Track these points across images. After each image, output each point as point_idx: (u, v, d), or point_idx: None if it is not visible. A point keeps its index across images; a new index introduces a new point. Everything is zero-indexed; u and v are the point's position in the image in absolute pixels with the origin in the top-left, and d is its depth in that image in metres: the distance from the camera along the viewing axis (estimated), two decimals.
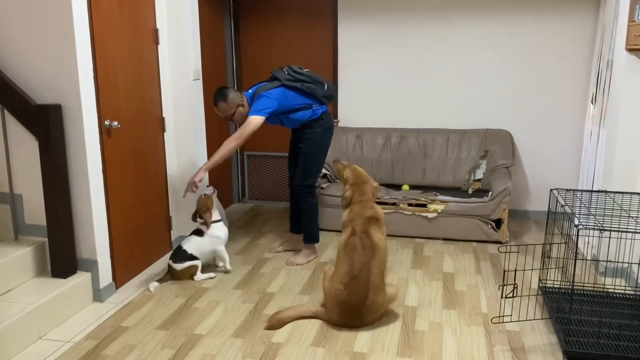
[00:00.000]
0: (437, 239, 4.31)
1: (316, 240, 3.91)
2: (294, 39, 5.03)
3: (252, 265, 3.78)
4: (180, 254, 3.48)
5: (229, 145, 3.51)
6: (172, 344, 2.74)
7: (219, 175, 4.99)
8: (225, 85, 5.05)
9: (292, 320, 2.97)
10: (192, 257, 3.49)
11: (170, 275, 3.51)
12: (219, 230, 3.57)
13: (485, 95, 4.74)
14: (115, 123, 3.26)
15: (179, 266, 3.46)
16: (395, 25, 4.76)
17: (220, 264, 3.65)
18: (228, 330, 2.88)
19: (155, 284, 3.42)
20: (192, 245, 3.50)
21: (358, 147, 4.86)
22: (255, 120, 3.47)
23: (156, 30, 3.73)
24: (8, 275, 2.94)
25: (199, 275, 3.51)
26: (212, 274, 3.56)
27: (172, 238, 4.07)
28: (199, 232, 3.53)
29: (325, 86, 3.76)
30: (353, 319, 2.88)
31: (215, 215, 3.58)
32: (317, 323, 2.94)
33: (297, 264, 3.79)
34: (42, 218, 3.10)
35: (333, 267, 3.04)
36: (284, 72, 3.62)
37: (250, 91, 3.64)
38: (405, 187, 4.73)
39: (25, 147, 3.08)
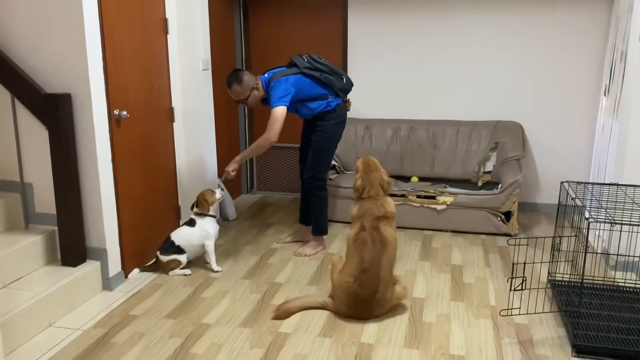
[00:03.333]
0: (446, 231, 4.30)
1: (325, 232, 3.90)
2: (303, 30, 5.00)
3: (260, 256, 3.78)
4: (168, 246, 3.46)
5: (262, 143, 3.52)
6: (180, 333, 2.76)
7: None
8: None
9: (299, 311, 2.97)
10: (179, 250, 3.45)
11: (156, 265, 3.51)
12: (209, 225, 3.52)
13: (496, 87, 4.69)
14: (125, 113, 3.26)
15: (164, 258, 3.46)
16: (406, 15, 4.72)
17: (209, 260, 3.56)
18: (236, 320, 2.89)
19: (137, 270, 3.45)
20: (180, 236, 3.47)
21: (367, 139, 4.84)
22: (280, 112, 3.42)
23: (165, 20, 3.72)
24: (18, 263, 2.96)
25: (175, 271, 3.46)
26: (187, 271, 3.48)
27: None
28: (190, 222, 3.52)
29: (344, 79, 3.74)
30: (361, 311, 2.87)
31: (211, 210, 3.56)
32: (324, 314, 2.95)
33: (304, 255, 3.79)
34: (52, 207, 3.12)
35: (342, 258, 3.04)
36: (303, 59, 3.59)
37: (266, 75, 3.57)
38: (414, 178, 4.71)
39: (35, 136, 3.09)
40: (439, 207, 4.23)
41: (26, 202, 3.21)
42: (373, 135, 4.84)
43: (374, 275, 2.83)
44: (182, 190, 4.04)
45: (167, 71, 3.79)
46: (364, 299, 2.85)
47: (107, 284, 3.23)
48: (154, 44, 3.62)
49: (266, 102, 3.56)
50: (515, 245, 3.84)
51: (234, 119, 5.07)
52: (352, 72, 4.93)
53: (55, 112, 2.93)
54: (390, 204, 3.09)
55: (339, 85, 3.65)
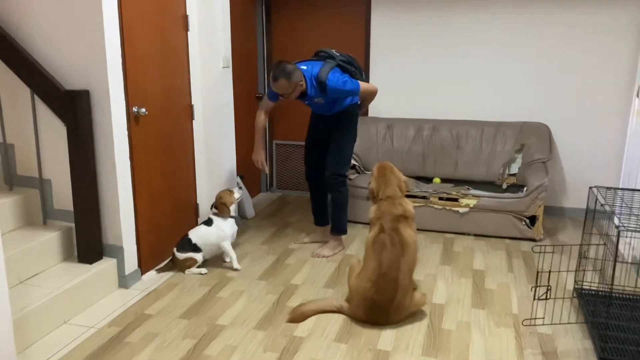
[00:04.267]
0: (468, 234, 4.19)
1: (344, 231, 3.84)
2: (326, 27, 4.93)
3: (277, 256, 3.74)
4: (185, 243, 3.44)
5: (374, 90, 3.64)
6: (193, 334, 2.72)
7: (248, 164, 4.95)
8: (255, 72, 5.00)
9: (314, 314, 2.92)
10: (195, 249, 3.42)
11: (173, 263, 3.48)
12: (226, 226, 3.49)
13: (523, 87, 4.56)
14: (143, 110, 3.24)
15: (180, 255, 3.42)
16: (431, 13, 4.62)
17: (227, 259, 3.55)
18: (250, 322, 2.85)
19: (153, 272, 3.42)
20: (198, 234, 3.45)
21: (388, 138, 4.75)
22: (362, 84, 3.47)
23: (186, 17, 3.68)
24: (35, 259, 2.97)
25: (191, 269, 3.43)
26: (203, 270, 3.44)
27: None
28: (208, 222, 3.49)
29: (364, 76, 3.68)
30: (379, 317, 2.80)
31: (231, 210, 3.52)
32: (340, 318, 2.88)
33: (322, 256, 3.73)
34: (70, 203, 3.12)
35: (360, 261, 2.97)
36: (334, 52, 3.53)
37: (304, 67, 3.42)
38: (437, 180, 4.61)
39: (54, 132, 3.09)
40: (461, 210, 4.13)
41: (45, 198, 3.22)
42: (395, 134, 4.75)
43: (392, 280, 2.76)
44: (201, 188, 4.01)
45: (187, 69, 3.76)
46: (381, 305, 2.78)
47: (123, 281, 3.22)
48: (174, 41, 3.59)
49: (302, 97, 3.49)
50: (540, 252, 3.69)
51: (252, 119, 5.01)
52: (374, 70, 4.84)
53: (74, 109, 2.92)
54: (409, 203, 3.02)
55: (361, 79, 3.59)
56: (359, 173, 4.62)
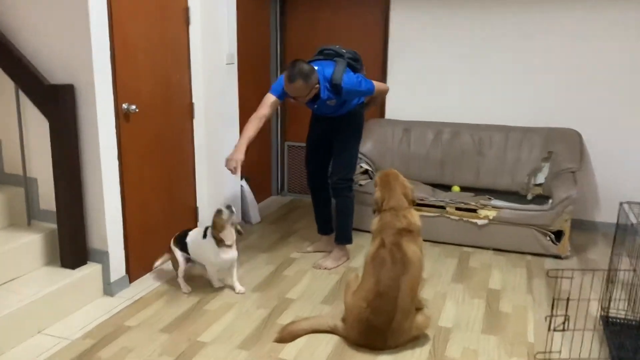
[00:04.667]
0: (487, 248, 3.86)
1: (349, 241, 3.57)
2: (343, 24, 4.67)
3: (276, 266, 3.49)
4: (181, 237, 3.14)
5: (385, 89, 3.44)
6: (171, 351, 2.50)
7: (258, 166, 4.75)
8: (267, 70, 4.78)
9: (305, 334, 2.66)
10: (185, 249, 3.11)
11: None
12: (214, 252, 2.98)
13: (553, 89, 4.19)
14: (134, 107, 3.05)
15: (172, 247, 3.14)
16: (454, 10, 4.30)
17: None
18: (235, 340, 2.61)
19: (148, 276, 3.27)
20: (192, 237, 3.12)
21: (405, 142, 4.46)
22: (375, 83, 3.25)
23: (187, 9, 3.48)
24: (15, 262, 2.80)
25: (179, 274, 3.11)
26: (185, 288, 3.11)
27: None
28: (205, 233, 3.06)
29: (364, 71, 3.42)
30: (374, 341, 2.53)
31: (228, 239, 2.99)
32: (333, 339, 2.62)
33: (324, 268, 3.47)
34: None
35: (357, 277, 2.71)
36: (340, 48, 3.27)
37: (316, 68, 3.10)
38: (456, 188, 4.29)
39: (40, 128, 2.92)
40: (479, 222, 3.80)
41: (31, 197, 3.06)
42: (412, 138, 4.45)
43: (390, 300, 2.48)
44: (202, 190, 3.81)
45: (188, 64, 3.56)
46: (378, 327, 2.50)
47: (109, 289, 3.03)
48: (173, 34, 3.39)
49: (313, 100, 3.23)
50: (557, 277, 3.24)
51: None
52: (392, 69, 4.56)
53: (56, 104, 2.75)
54: (415, 215, 2.74)
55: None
56: (371, 179, 4.34)
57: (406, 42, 4.48)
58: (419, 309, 2.80)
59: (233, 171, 3.07)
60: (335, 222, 3.57)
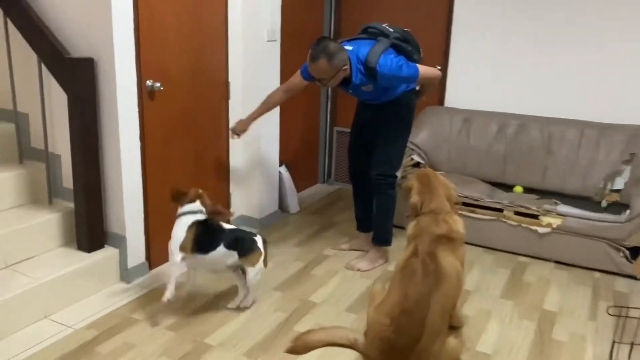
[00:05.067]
0: (548, 260, 3.39)
1: (388, 242, 3.24)
2: (403, 2, 4.26)
3: (305, 263, 3.22)
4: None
5: (437, 75, 2.95)
6: (173, 352, 2.31)
7: (304, 151, 4.47)
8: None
9: (321, 346, 2.36)
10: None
11: None
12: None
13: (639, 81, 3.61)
14: (158, 84, 2.84)
15: None
16: None
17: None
18: (243, 345, 2.38)
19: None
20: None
21: (464, 133, 4.01)
22: (421, 67, 2.80)
23: None
24: (30, 242, 2.70)
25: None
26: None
27: (232, 217, 3.64)
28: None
29: (421, 53, 3.02)
30: None
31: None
32: (352, 355, 2.32)
33: (358, 269, 3.16)
34: None
35: (384, 288, 2.38)
36: (387, 27, 2.89)
37: (350, 48, 2.79)
38: (518, 189, 3.81)
39: (65, 103, 2.78)
40: (541, 230, 3.34)
41: (54, 174, 2.95)
42: (472, 130, 4.00)
43: (417, 320, 2.14)
44: (236, 176, 3.60)
45: (225, 40, 3.32)
46: (401, 348, 2.17)
47: (125, 275, 2.88)
48: (209, 6, 3.15)
49: (345, 85, 2.90)
50: (619, 316, 2.70)
51: (314, 101, 4.50)
52: (455, 52, 4.10)
53: (75, 78, 2.59)
54: (458, 221, 2.38)
55: (419, 62, 2.93)
56: None
57: (472, 22, 4.01)
58: (455, 327, 2.45)
59: (231, 135, 3.18)
60: (374, 221, 3.24)
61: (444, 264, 2.22)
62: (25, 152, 3.02)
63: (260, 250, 2.60)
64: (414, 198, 2.46)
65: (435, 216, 2.36)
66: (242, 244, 2.56)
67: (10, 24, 2.76)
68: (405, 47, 2.87)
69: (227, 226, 2.61)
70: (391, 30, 2.86)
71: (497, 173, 3.92)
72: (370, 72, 2.72)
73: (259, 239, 2.62)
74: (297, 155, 4.36)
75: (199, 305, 2.70)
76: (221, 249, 2.51)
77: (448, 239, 2.30)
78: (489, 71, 4.02)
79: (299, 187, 4.48)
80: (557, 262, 3.35)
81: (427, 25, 4.17)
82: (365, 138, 3.17)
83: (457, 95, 4.15)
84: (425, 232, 2.32)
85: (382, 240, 3.22)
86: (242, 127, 3.15)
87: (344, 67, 2.74)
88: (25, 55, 2.78)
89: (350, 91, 2.95)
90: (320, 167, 4.78)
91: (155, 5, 2.79)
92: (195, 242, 2.47)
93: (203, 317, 2.59)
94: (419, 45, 2.97)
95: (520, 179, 3.85)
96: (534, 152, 3.80)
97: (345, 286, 2.96)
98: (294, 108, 4.20)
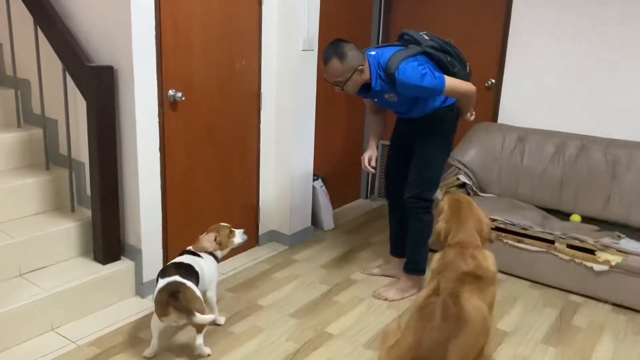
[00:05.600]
0: (604, 302, 3.00)
1: (421, 271, 2.97)
2: (458, 11, 3.97)
3: (330, 287, 3.02)
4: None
5: (472, 92, 2.64)
6: None
7: (346, 165, 4.28)
8: None
9: None
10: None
11: None
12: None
13: None
14: (180, 95, 2.74)
15: None
16: None
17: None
18: None
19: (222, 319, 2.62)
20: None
21: (517, 153, 3.67)
22: (448, 79, 2.51)
23: None
24: (46, 250, 2.66)
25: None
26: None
27: (260, 233, 3.50)
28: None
29: (467, 67, 2.76)
30: None
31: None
32: None
33: (385, 299, 2.91)
34: None
35: (398, 329, 2.14)
36: (423, 35, 2.67)
37: (373, 53, 2.63)
38: (576, 217, 3.43)
39: None
40: (597, 267, 2.96)
41: (79, 182, 2.92)
42: (527, 150, 3.65)
43: None
44: (266, 190, 3.46)
45: (258, 49, 3.18)
46: None
47: (140, 289, 2.80)
48: (240, 13, 3.03)
49: (365, 91, 2.70)
50: None
51: (358, 113, 4.29)
52: (510, 65, 3.77)
53: (93, 86, 2.53)
54: (488, 258, 2.12)
55: (462, 75, 2.66)
56: (469, 194, 3.64)
57: (530, 33, 3.66)
58: None
59: (367, 168, 2.92)
60: (407, 246, 2.99)
61: (468, 307, 1.96)
62: (53, 158, 3.01)
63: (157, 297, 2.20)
64: (440, 225, 2.22)
65: (462, 251, 2.10)
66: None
67: (40, 33, 2.76)
68: (440, 57, 2.61)
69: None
70: (426, 38, 2.62)
71: (553, 199, 3.54)
72: (389, 78, 2.50)
73: (161, 283, 2.21)
74: (337, 168, 4.17)
75: (207, 330, 2.56)
76: None
77: (475, 277, 2.04)
78: (547, 86, 3.66)
79: (339, 202, 4.29)
80: (615, 304, 2.96)
81: (482, 37, 3.87)
82: (403, 155, 2.93)
83: (511, 111, 3.81)
84: (450, 268, 2.08)
85: (414, 268, 2.96)
86: (370, 156, 2.92)
87: (360, 68, 2.54)
88: (56, 62, 2.76)
89: (376, 100, 2.74)
90: (363, 181, 4.56)
91: (180, 15, 2.69)
92: None
93: (208, 342, 2.44)
94: (463, 58, 2.71)
95: (579, 206, 3.46)
96: (596, 177, 3.40)
97: (369, 317, 2.73)
98: (335, 119, 4.01)
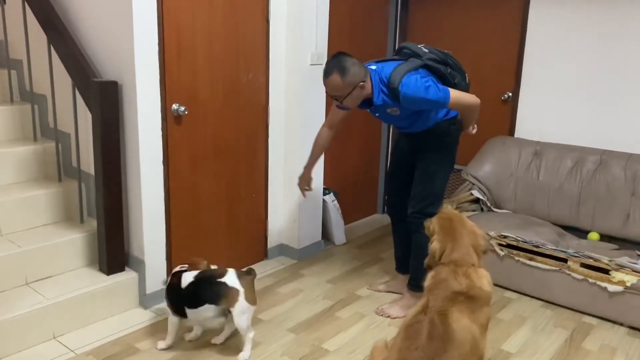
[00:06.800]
0: (619, 324, 2.86)
1: (423, 288, 2.90)
2: (474, 23, 3.92)
3: (333, 303, 2.98)
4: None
5: (476, 105, 2.57)
6: None
7: (361, 180, 4.25)
8: None
9: None
10: None
11: None
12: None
13: None
14: (183, 109, 2.79)
15: None
16: (609, 7, 3.29)
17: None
18: None
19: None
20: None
21: (534, 168, 3.57)
22: (453, 92, 2.46)
23: (266, 2, 3.13)
24: (53, 260, 2.73)
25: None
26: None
27: (269, 246, 3.51)
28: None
29: (467, 78, 2.71)
30: None
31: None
32: None
33: (387, 316, 2.86)
34: None
35: (386, 347, 2.10)
36: (422, 48, 2.64)
37: (374, 67, 2.59)
38: (594, 235, 3.30)
39: None
40: (611, 288, 2.83)
41: (88, 194, 3.00)
42: (543, 164, 3.55)
43: None
44: (275, 204, 3.46)
45: (265, 63, 3.21)
46: None
47: (144, 300, 2.84)
48: (247, 28, 3.07)
49: (366, 104, 2.67)
50: None
51: (375, 127, 4.27)
52: (527, 77, 3.69)
53: (98, 101, 2.60)
54: (483, 277, 2.05)
55: (462, 86, 2.61)
56: (482, 210, 3.56)
57: (547, 44, 3.57)
58: None
59: (302, 193, 2.99)
60: (410, 263, 2.93)
61: (456, 327, 1.90)
62: (66, 171, 3.11)
63: (233, 288, 2.33)
64: (434, 245, 2.16)
65: (455, 269, 2.04)
66: (206, 291, 2.35)
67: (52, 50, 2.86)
68: (440, 69, 2.57)
69: (185, 280, 2.39)
70: (426, 50, 2.58)
71: (570, 215, 3.43)
72: (393, 92, 2.46)
73: (228, 277, 2.33)
74: (352, 182, 4.15)
75: (201, 342, 2.56)
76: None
77: (467, 297, 1.98)
78: (565, 99, 3.55)
79: (355, 217, 4.26)
80: (631, 327, 2.82)
81: (498, 49, 3.81)
82: (404, 171, 2.89)
83: (527, 125, 3.72)
84: (440, 286, 2.02)
85: (417, 285, 2.88)
86: (305, 180, 2.97)
87: (361, 84, 2.49)
88: (69, 78, 2.86)
89: (377, 114, 2.71)
90: (379, 196, 4.51)
91: (184, 30, 2.74)
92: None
93: (202, 356, 2.45)
94: (462, 69, 2.66)
95: (597, 224, 3.33)
96: (615, 194, 3.27)
97: (368, 334, 2.68)
98: (350, 133, 4.00)
